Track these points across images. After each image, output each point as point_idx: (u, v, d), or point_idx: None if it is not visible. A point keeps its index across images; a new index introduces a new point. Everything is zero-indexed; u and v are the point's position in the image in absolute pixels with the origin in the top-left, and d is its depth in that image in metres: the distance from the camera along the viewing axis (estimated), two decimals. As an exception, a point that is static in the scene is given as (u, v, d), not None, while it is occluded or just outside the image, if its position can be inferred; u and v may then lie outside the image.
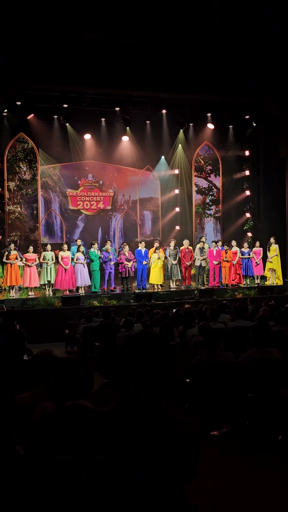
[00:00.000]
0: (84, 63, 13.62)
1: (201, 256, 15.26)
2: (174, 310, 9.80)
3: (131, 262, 14.46)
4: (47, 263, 14.14)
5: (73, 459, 1.88)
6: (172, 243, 15.47)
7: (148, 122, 17.68)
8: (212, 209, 19.08)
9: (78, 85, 14.82)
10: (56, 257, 14.34)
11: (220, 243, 15.87)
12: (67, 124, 16.80)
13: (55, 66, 13.46)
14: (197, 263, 15.36)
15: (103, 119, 17.09)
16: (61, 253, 14.17)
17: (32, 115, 16.25)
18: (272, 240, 15.70)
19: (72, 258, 14.25)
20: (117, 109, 16.78)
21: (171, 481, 1.58)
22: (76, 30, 13.22)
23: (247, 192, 18.76)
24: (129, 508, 1.53)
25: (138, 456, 1.53)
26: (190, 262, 15.37)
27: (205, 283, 15.58)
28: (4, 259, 13.91)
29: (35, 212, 17.09)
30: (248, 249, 15.88)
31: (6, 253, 13.92)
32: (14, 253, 13.94)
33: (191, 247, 15.61)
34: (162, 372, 1.56)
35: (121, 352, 1.61)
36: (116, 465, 1.53)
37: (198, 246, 15.55)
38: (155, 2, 12.90)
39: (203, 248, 15.37)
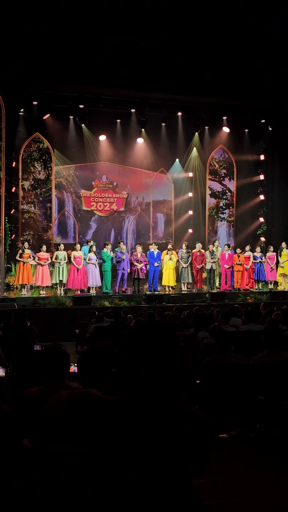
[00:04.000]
0: (101, 64, 13.73)
1: (211, 259, 15.21)
2: (185, 313, 9.77)
3: (141, 264, 14.39)
4: (59, 262, 14.19)
5: (76, 450, 1.86)
6: (184, 246, 15.43)
7: (163, 124, 17.69)
8: (225, 213, 19.00)
9: (95, 85, 14.89)
10: (69, 257, 14.38)
11: (232, 247, 15.78)
12: (83, 125, 16.88)
13: (73, 66, 13.58)
14: (208, 266, 15.30)
15: (118, 121, 17.14)
16: (73, 253, 14.20)
17: (48, 115, 16.36)
18: (283, 245, 15.56)
19: (84, 258, 14.27)
20: (133, 110, 16.83)
21: (180, 474, 1.56)
22: (95, 33, 13.32)
23: (261, 197, 18.66)
24: (138, 503, 1.51)
25: (145, 448, 1.50)
26: (202, 265, 15.31)
27: (217, 286, 15.51)
28: (17, 258, 13.99)
29: (48, 212, 17.17)
30: (260, 253, 15.74)
31: (20, 251, 14.00)
32: (27, 252, 14.01)
33: (203, 250, 15.55)
34: (171, 360, 1.52)
35: (127, 340, 1.58)
36: (121, 458, 1.50)
37: (208, 249, 15.53)
38: (173, 6, 12.94)
39: (212, 251, 15.31)
